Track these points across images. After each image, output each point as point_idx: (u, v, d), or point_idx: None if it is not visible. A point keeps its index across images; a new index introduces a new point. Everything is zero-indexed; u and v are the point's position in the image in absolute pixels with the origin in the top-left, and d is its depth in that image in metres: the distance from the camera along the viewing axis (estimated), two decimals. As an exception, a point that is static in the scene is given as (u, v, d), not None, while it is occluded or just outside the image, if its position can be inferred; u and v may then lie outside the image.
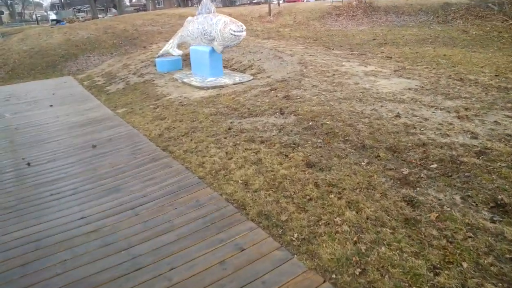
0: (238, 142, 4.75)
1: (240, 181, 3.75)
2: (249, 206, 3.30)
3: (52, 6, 58.28)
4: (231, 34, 7.81)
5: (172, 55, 11.10)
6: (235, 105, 6.31)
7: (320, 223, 2.93)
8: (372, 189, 3.31)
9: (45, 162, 4.93)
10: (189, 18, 10.02)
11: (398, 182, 3.37)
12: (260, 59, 10.40)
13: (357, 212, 3.01)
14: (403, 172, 3.52)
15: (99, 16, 35.27)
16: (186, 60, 11.70)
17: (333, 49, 10.31)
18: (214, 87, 8.29)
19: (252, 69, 9.93)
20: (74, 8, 46.52)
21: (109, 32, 16.98)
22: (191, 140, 5.08)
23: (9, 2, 56.52)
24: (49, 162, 4.89)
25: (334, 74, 7.31)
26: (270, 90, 6.78)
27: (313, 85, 6.69)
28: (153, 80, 9.88)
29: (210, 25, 8.47)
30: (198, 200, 3.53)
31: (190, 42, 9.94)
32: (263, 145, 4.57)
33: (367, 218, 2.92)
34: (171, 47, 11.00)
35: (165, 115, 6.52)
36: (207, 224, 3.12)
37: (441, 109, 5.13)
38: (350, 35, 13.74)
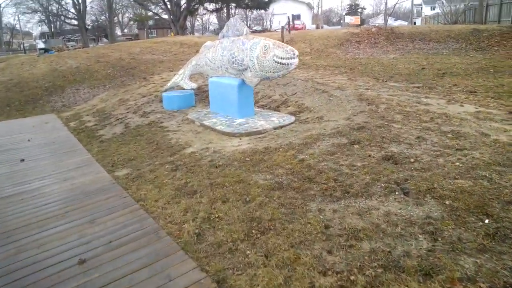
0: (362, 267, 2.42)
1: None
2: None
3: (42, 36, 56.61)
4: (275, 62, 5.64)
5: (183, 89, 8.90)
6: (304, 171, 4.01)
7: None
8: None
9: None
10: (208, 43, 7.91)
11: None
12: (296, 93, 8.26)
13: None
14: None
15: (90, 45, 33.42)
16: (198, 94, 9.51)
17: (386, 81, 8.28)
18: (249, 134, 6.03)
19: (288, 106, 7.75)
20: (64, 37, 44.84)
21: (102, 61, 14.83)
22: (267, 258, 2.71)
23: (-4, 31, 54.63)
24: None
25: (432, 118, 5.13)
26: (349, 144, 4.53)
27: (417, 137, 4.47)
28: (161, 122, 7.58)
29: (241, 51, 6.33)
30: None
31: (208, 73, 7.78)
32: (421, 280, 2.25)
33: None
34: (181, 78, 8.82)
35: (193, 184, 4.17)
36: None
37: None
38: (386, 63, 11.84)
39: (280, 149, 4.78)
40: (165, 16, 28.09)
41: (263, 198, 3.58)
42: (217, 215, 3.40)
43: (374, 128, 4.94)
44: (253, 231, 3.05)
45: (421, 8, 70.00)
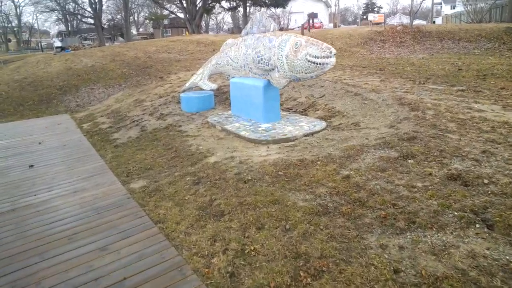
0: None
1: None
2: None
3: (59, 34, 57.21)
4: (308, 61, 5.00)
5: (203, 90, 8.35)
6: (352, 191, 3.38)
7: None
8: None
9: None
10: (230, 41, 7.33)
11: None
12: (324, 95, 7.60)
13: None
14: None
15: (106, 44, 33.37)
16: (217, 96, 8.95)
17: (423, 83, 7.54)
18: (277, 141, 5.42)
19: (317, 109, 7.11)
20: (80, 36, 45.07)
21: (117, 60, 14.44)
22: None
23: (16, 30, 55.51)
24: None
25: (493, 128, 4.42)
26: (402, 158, 3.87)
27: (483, 151, 3.78)
28: (180, 126, 7.04)
29: (268, 49, 5.71)
30: None
31: (229, 73, 7.20)
32: None
33: None
34: (200, 78, 8.27)
35: (219, 203, 3.59)
36: None
37: None
38: (417, 64, 11.05)
39: (318, 162, 4.15)
40: (181, 15, 27.73)
41: (306, 225, 2.96)
42: (252, 247, 2.80)
43: (428, 138, 4.26)
44: (300, 272, 2.44)
45: (441, 7, 68.01)
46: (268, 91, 6.16)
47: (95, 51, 16.83)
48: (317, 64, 4.93)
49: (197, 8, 24.33)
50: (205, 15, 30.04)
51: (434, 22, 41.25)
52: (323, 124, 6.07)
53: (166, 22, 52.11)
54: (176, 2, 27.18)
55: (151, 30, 62.39)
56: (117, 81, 12.32)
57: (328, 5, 50.90)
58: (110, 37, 51.36)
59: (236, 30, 44.63)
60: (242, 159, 4.72)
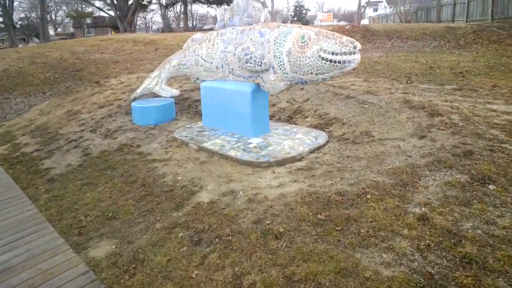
0: None
1: None
2: None
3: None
4: (322, 59, 3.86)
5: (160, 96, 6.76)
6: (447, 243, 2.33)
7: None
8: None
9: None
10: (197, 35, 5.89)
11: None
12: (308, 98, 6.57)
13: None
14: None
15: (19, 45, 28.78)
16: (177, 104, 7.41)
17: (411, 83, 6.92)
18: (281, 162, 4.20)
19: (306, 116, 6.04)
20: (-15, 36, 38.66)
21: (38, 63, 11.86)
22: None
23: None
24: None
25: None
26: (477, 183, 2.92)
27: None
28: (138, 146, 5.41)
29: (260, 45, 4.45)
30: None
31: (200, 76, 5.77)
32: None
33: None
34: (156, 83, 6.67)
35: (253, 281, 2.27)
36: None
37: None
38: (382, 62, 10.65)
39: (368, 196, 3.03)
40: (111, 12, 24.77)
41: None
42: None
43: (486, 152, 3.39)
44: None
45: (365, 9, 72.64)
46: (257, 97, 4.91)
47: (8, 52, 13.81)
48: (335, 62, 3.81)
49: (128, 4, 21.84)
50: (141, 11, 27.35)
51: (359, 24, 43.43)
52: (324, 135, 5.01)
53: (88, 21, 47.34)
54: (103, -3, 24.16)
55: (71, 30, 56.36)
56: (40, 88, 9.94)
57: (265, 6, 50.90)
58: (24, 38, 45.14)
59: (167, 30, 41.86)
60: (250, 195, 3.41)
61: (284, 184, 3.57)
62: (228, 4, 29.59)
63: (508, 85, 6.49)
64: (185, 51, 5.99)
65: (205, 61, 5.46)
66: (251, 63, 4.58)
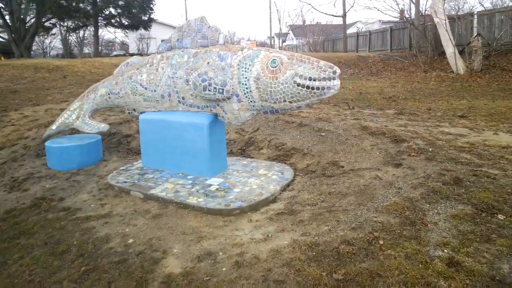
0: None
1: None
2: None
3: None
4: (298, 85, 3.44)
5: (84, 133, 5.59)
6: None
7: None
8: None
9: None
10: (134, 59, 5.03)
11: None
12: (258, 128, 6.14)
13: None
14: None
15: None
16: (103, 140, 6.27)
17: (353, 108, 7.02)
18: (254, 206, 3.60)
19: (261, 148, 5.57)
20: None
21: None
22: None
23: None
24: None
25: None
26: (486, 214, 2.73)
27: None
28: (61, 199, 4.22)
29: (220, 70, 3.86)
30: None
31: (137, 107, 4.88)
32: None
33: None
34: (77, 116, 5.52)
35: None
36: None
37: None
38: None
39: (378, 240, 2.59)
40: (4, 35, 21.31)
41: None
42: None
43: (473, 178, 3.30)
44: None
45: (273, 40, 77.50)
46: (214, 130, 4.27)
47: None
48: (313, 89, 3.42)
49: (26, 27, 19.07)
50: (43, 35, 24.09)
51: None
52: (288, 168, 4.58)
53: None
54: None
55: None
56: None
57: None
58: None
59: (67, 56, 38.04)
60: (234, 256, 2.70)
61: (271, 236, 2.95)
62: (145, 29, 28.36)
63: (439, 108, 7.02)
64: (116, 78, 5.05)
65: (145, 89, 4.63)
66: (209, 90, 3.94)
